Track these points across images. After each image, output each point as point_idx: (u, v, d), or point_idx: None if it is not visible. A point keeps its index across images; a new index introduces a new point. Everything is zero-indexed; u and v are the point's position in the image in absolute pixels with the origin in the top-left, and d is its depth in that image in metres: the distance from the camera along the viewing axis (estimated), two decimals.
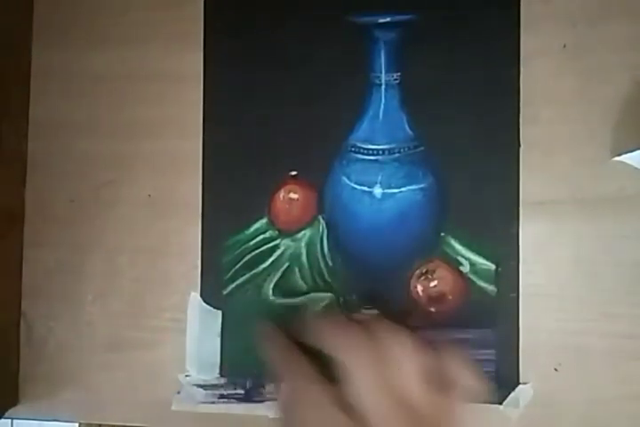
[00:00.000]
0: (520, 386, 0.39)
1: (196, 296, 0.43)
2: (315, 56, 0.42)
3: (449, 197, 0.40)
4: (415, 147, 0.41)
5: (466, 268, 0.40)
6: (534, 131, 0.40)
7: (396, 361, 0.29)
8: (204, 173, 0.43)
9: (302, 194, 0.42)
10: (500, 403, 0.39)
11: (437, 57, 0.41)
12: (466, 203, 0.40)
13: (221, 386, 0.42)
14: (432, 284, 0.40)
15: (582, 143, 0.39)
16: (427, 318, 0.40)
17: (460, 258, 0.40)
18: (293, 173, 0.42)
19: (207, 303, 0.42)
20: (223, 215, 0.43)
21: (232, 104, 0.43)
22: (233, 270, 0.42)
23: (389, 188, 0.41)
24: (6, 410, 0.44)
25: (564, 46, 0.40)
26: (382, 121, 0.41)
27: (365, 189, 0.41)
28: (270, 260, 0.42)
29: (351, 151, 0.41)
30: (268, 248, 0.42)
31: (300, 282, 0.42)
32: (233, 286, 0.42)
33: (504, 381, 0.39)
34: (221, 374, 0.42)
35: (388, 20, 0.40)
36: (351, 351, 0.30)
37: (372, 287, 0.41)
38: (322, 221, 0.42)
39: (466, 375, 0.31)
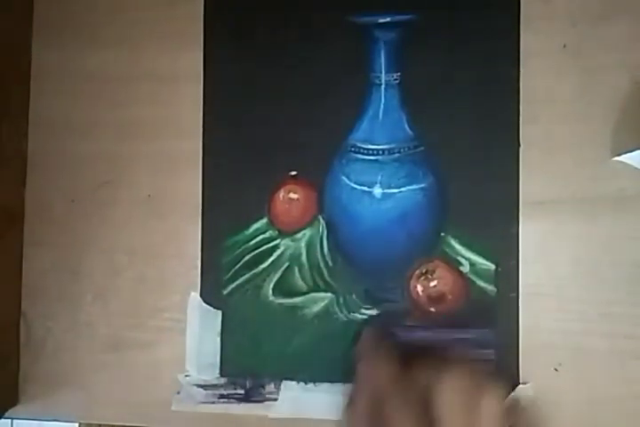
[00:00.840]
0: (520, 386, 0.39)
1: (195, 296, 0.43)
2: (315, 56, 0.42)
3: (449, 197, 0.40)
4: (415, 147, 0.41)
5: (466, 268, 0.40)
6: (534, 131, 0.40)
7: (484, 410, 0.31)
8: (203, 172, 0.43)
9: (302, 194, 0.42)
10: None
11: (437, 57, 0.41)
12: (466, 203, 0.40)
13: (221, 386, 0.42)
14: (432, 284, 0.40)
15: (582, 143, 0.39)
16: (426, 317, 0.40)
17: (459, 258, 0.40)
18: (293, 173, 0.42)
19: (207, 303, 0.42)
20: (223, 215, 0.43)
21: (232, 104, 0.43)
22: (233, 270, 0.42)
23: (389, 188, 0.41)
24: (6, 410, 0.44)
25: (564, 46, 0.40)
26: (382, 121, 0.41)
27: (365, 189, 0.41)
28: (270, 260, 0.42)
29: (351, 151, 0.41)
30: (267, 248, 0.42)
31: (300, 282, 0.42)
32: (233, 286, 0.42)
33: (504, 380, 0.39)
34: (221, 374, 0.42)
35: (388, 20, 0.40)
36: (449, 395, 0.31)
37: (372, 287, 0.41)
38: (322, 221, 0.42)
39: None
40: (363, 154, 0.41)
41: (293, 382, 0.41)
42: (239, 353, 0.42)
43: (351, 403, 0.33)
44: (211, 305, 0.42)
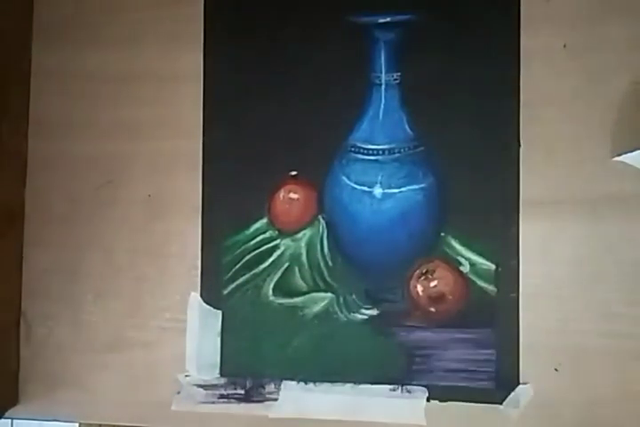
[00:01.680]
0: (520, 386, 0.39)
1: (195, 296, 0.43)
2: (315, 56, 0.42)
3: (449, 197, 0.40)
4: (415, 147, 0.41)
5: (466, 268, 0.40)
6: (534, 131, 0.40)
7: None
8: (203, 173, 0.43)
9: (302, 194, 0.42)
10: (501, 403, 0.39)
11: (437, 57, 0.41)
12: (466, 203, 0.40)
13: (221, 386, 0.42)
14: (432, 284, 0.40)
15: (582, 143, 0.39)
16: (427, 318, 0.40)
17: (460, 258, 0.40)
18: (293, 173, 0.42)
19: (207, 303, 0.42)
20: (223, 215, 0.43)
21: (232, 104, 0.43)
22: (233, 270, 0.42)
23: (389, 188, 0.41)
24: (6, 410, 0.44)
25: (564, 46, 0.40)
26: (382, 121, 0.41)
27: (365, 189, 0.41)
28: (270, 260, 0.42)
29: (351, 151, 0.41)
30: (267, 248, 0.42)
31: (300, 282, 0.42)
32: (233, 286, 0.42)
33: (504, 381, 0.39)
34: (221, 374, 0.42)
35: (388, 20, 0.40)
36: None
37: (372, 287, 0.41)
38: (322, 221, 0.42)
39: None
40: (363, 154, 0.41)
41: (293, 382, 0.41)
42: (239, 353, 0.42)
43: None
44: (211, 305, 0.42)
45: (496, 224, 0.40)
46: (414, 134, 0.41)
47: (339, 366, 0.41)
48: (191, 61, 0.43)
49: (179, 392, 0.42)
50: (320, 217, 0.42)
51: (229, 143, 0.43)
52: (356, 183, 0.41)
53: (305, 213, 0.42)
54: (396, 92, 0.41)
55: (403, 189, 0.41)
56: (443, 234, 0.40)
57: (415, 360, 0.40)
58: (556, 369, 0.39)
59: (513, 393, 0.39)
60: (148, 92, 0.44)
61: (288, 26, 0.42)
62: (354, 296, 0.41)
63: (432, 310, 0.40)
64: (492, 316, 0.40)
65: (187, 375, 0.43)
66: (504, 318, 0.39)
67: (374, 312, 0.41)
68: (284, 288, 0.42)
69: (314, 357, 0.41)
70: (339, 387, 0.41)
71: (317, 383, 0.41)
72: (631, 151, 0.38)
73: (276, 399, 0.42)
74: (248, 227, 0.42)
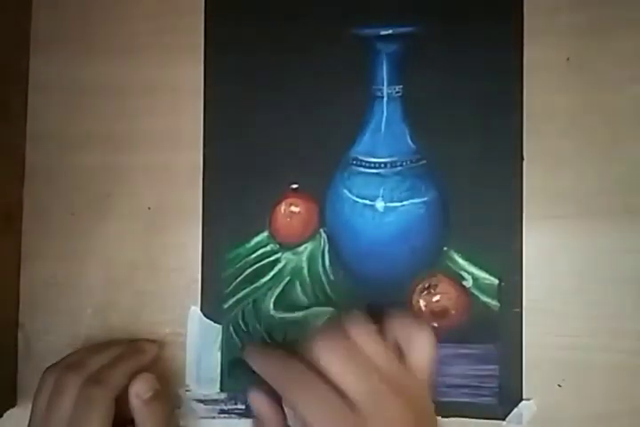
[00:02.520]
0: (523, 402, 0.39)
1: (196, 310, 0.42)
2: (316, 68, 0.42)
3: (451, 211, 0.40)
4: (417, 160, 0.41)
5: (469, 282, 0.40)
6: (538, 144, 0.39)
7: (354, 336, 0.32)
8: (204, 185, 0.43)
9: (303, 207, 0.42)
10: (504, 419, 0.39)
11: (440, 69, 0.40)
12: (469, 217, 0.40)
13: (222, 401, 0.42)
14: (434, 298, 0.40)
15: (586, 157, 0.39)
16: None
17: (462, 273, 0.40)
18: (294, 186, 0.42)
19: (207, 318, 0.42)
20: (224, 228, 0.42)
21: (233, 116, 0.42)
22: (233, 284, 0.42)
23: (391, 201, 0.40)
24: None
25: (568, 59, 0.39)
26: (384, 134, 0.41)
27: (367, 202, 0.41)
28: (271, 274, 0.42)
29: (353, 164, 0.41)
30: (268, 262, 0.42)
31: (302, 296, 0.41)
32: (233, 300, 0.42)
33: (507, 396, 0.39)
34: (222, 389, 0.42)
35: (390, 32, 0.40)
36: (319, 340, 0.32)
37: (374, 302, 0.41)
38: (323, 234, 0.42)
39: (420, 335, 0.33)
40: (364, 167, 0.41)
41: None
42: (239, 368, 0.42)
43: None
44: (211, 319, 0.42)
45: (499, 239, 0.39)
46: (416, 147, 0.41)
47: None
48: (191, 73, 0.43)
49: (179, 407, 0.42)
50: (321, 231, 0.42)
51: (230, 156, 0.42)
52: (357, 197, 0.41)
53: (306, 227, 0.42)
54: (398, 104, 0.41)
55: (405, 202, 0.40)
56: (445, 248, 0.40)
57: None
58: (559, 385, 0.39)
59: (516, 409, 0.39)
60: (147, 104, 0.43)
61: (289, 38, 0.42)
62: (355, 311, 0.41)
63: (434, 324, 0.40)
64: (495, 331, 0.39)
65: (187, 390, 0.42)
66: (507, 333, 0.39)
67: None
68: (285, 302, 0.42)
69: None
70: None
71: None
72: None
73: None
74: (249, 240, 0.42)
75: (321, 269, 0.41)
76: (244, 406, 0.42)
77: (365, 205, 0.41)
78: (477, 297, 0.40)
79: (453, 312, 0.40)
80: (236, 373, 0.42)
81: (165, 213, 0.43)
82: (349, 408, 0.29)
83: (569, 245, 0.39)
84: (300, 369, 0.31)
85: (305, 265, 0.42)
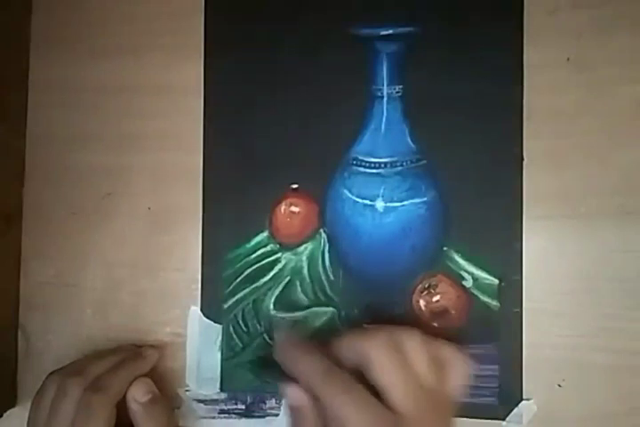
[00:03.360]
0: (523, 402, 0.39)
1: (196, 310, 0.42)
2: (316, 68, 0.42)
3: (451, 211, 0.40)
4: (417, 160, 0.40)
5: (469, 282, 0.40)
6: (537, 145, 0.39)
7: (408, 350, 0.33)
8: (204, 185, 0.43)
9: (303, 207, 0.42)
10: (504, 419, 0.39)
11: (440, 70, 0.40)
12: (469, 217, 0.40)
13: (222, 401, 0.42)
14: (434, 298, 0.40)
15: (586, 157, 0.39)
16: (429, 333, 0.40)
17: (462, 273, 0.40)
18: (294, 186, 0.42)
19: (207, 318, 0.42)
20: (224, 228, 0.42)
21: (233, 116, 0.42)
22: (233, 284, 0.42)
23: (391, 201, 0.40)
24: None
25: (568, 59, 0.39)
26: (384, 134, 0.41)
27: (367, 202, 0.41)
28: (271, 274, 0.42)
29: (353, 164, 0.41)
30: (268, 262, 0.42)
31: (302, 296, 0.41)
32: (233, 300, 0.42)
33: (507, 396, 0.39)
34: (222, 389, 0.42)
35: (390, 32, 0.40)
36: (372, 346, 0.33)
37: (374, 302, 0.41)
38: (323, 234, 0.42)
39: (458, 358, 0.35)
40: (365, 167, 0.41)
41: None
42: (239, 368, 0.42)
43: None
44: (211, 319, 0.42)
45: (499, 239, 0.39)
46: (417, 147, 0.41)
47: None
48: (192, 74, 0.43)
49: (179, 407, 0.42)
50: (321, 230, 0.42)
51: (230, 156, 0.42)
52: (357, 197, 0.41)
53: (306, 227, 0.42)
54: (398, 104, 0.41)
55: (405, 202, 0.40)
56: (445, 248, 0.40)
57: None
58: (559, 385, 0.39)
59: (516, 409, 0.39)
60: (148, 104, 0.43)
61: (289, 38, 0.42)
62: (355, 311, 0.41)
63: (435, 324, 0.40)
64: (495, 331, 0.39)
65: (187, 390, 0.42)
66: (507, 333, 0.39)
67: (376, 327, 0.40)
68: (285, 302, 0.42)
69: None
70: None
71: None
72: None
73: (277, 415, 0.41)
74: (249, 240, 0.42)
75: (321, 269, 0.41)
76: (244, 406, 0.42)
77: (365, 205, 0.41)
78: (477, 297, 0.40)
79: (453, 312, 0.40)
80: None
81: (165, 213, 0.43)
82: (389, 414, 0.31)
83: (569, 245, 0.39)
84: (336, 370, 0.32)
85: (305, 265, 0.42)
